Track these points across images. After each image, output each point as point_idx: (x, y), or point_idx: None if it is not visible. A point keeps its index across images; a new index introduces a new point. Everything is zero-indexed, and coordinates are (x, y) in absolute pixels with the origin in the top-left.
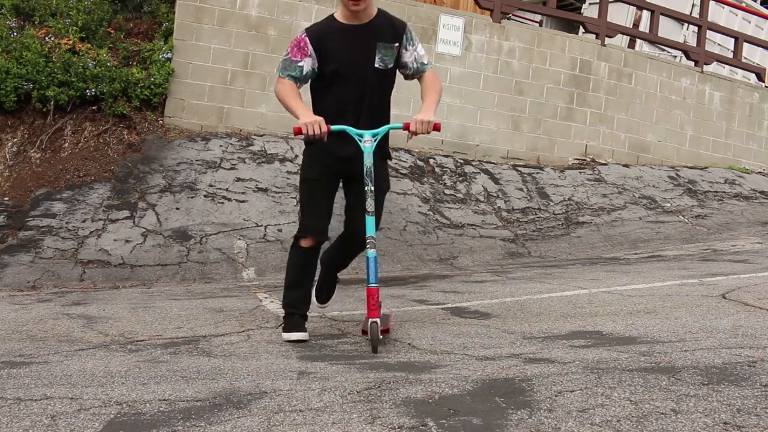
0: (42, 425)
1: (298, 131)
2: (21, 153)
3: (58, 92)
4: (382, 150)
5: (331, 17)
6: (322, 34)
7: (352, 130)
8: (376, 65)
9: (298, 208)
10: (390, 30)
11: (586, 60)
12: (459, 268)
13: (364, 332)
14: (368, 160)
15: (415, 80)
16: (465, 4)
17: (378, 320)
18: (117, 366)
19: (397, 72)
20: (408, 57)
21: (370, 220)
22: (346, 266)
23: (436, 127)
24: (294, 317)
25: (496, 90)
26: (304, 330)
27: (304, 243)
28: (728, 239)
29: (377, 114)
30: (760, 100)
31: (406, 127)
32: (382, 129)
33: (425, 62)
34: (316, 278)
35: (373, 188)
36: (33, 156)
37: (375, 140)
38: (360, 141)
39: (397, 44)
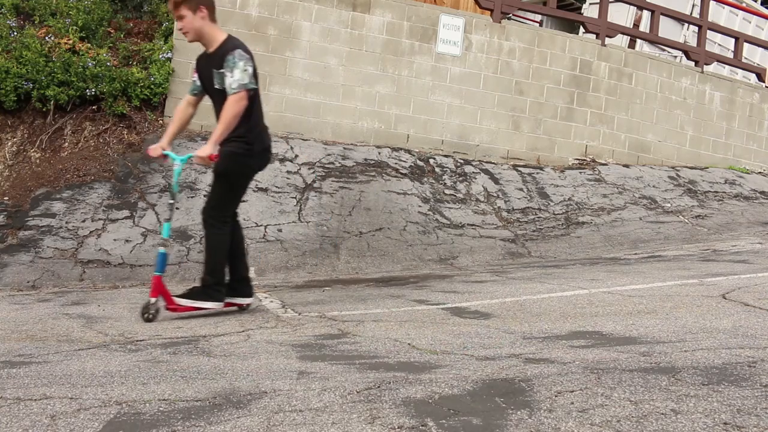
0: (42, 425)
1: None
2: (21, 153)
3: (58, 92)
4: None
5: None
6: (198, 59)
7: (170, 155)
8: (215, 86)
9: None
10: (220, 58)
11: (586, 60)
12: (459, 268)
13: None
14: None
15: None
16: (465, 4)
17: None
18: (117, 366)
19: None
20: (227, 81)
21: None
22: None
23: (212, 158)
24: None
25: (496, 90)
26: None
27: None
28: (728, 239)
29: None
30: (761, 101)
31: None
32: (185, 157)
33: (233, 87)
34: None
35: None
36: (33, 156)
37: (181, 165)
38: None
39: (222, 70)
